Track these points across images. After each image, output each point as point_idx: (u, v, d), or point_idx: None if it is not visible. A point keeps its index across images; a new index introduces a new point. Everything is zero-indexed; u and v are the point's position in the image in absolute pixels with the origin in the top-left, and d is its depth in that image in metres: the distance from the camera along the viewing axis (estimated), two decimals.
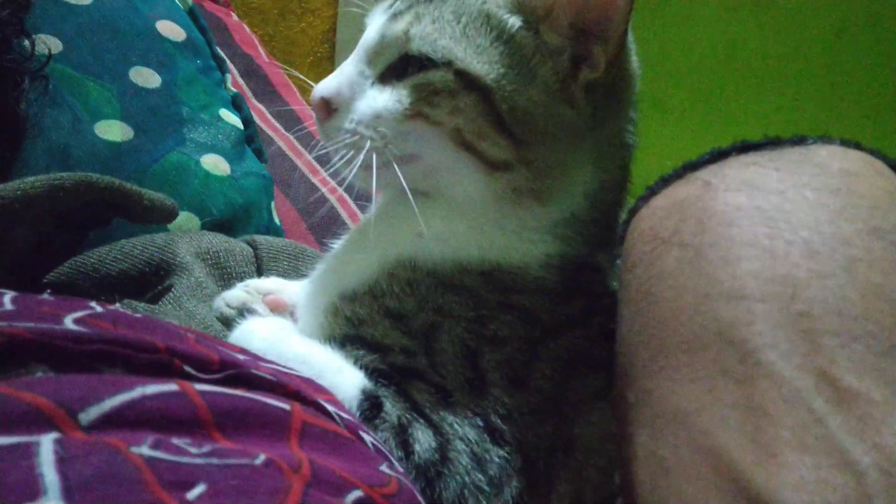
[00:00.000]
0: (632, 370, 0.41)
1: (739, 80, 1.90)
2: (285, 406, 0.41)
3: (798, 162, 0.42)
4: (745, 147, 0.45)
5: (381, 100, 0.56)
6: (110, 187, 0.61)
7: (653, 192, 0.46)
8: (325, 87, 0.58)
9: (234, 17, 1.33)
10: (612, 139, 0.59)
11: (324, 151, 0.60)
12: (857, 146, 0.44)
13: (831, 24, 1.77)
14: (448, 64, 0.55)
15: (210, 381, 0.41)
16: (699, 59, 1.92)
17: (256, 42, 1.32)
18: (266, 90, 1.24)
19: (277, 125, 1.20)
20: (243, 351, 0.49)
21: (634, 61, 0.61)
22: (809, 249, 0.38)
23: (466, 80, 0.55)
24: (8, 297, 0.41)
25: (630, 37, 0.59)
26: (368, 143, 0.56)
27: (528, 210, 0.57)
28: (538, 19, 0.56)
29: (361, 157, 0.56)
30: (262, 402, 0.40)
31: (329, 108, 0.58)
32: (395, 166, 0.56)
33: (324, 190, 1.12)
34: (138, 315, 0.46)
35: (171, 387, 0.37)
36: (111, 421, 0.34)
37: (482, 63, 0.55)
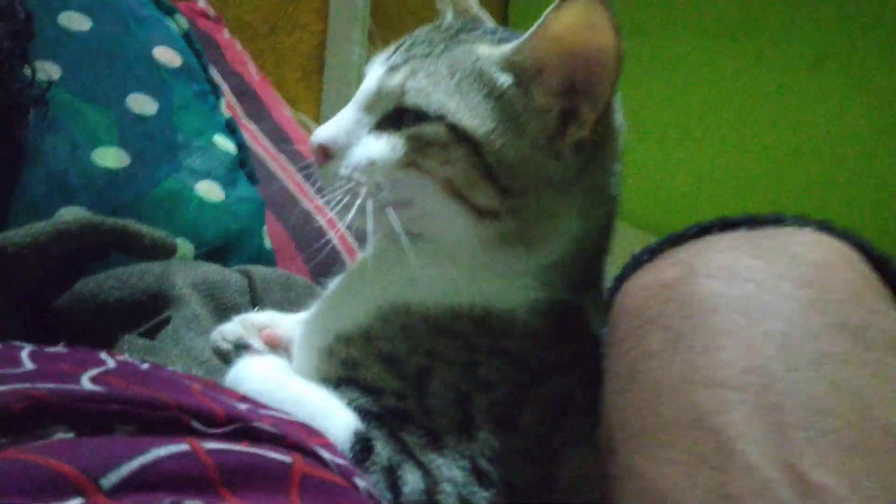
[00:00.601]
0: (616, 444, 0.43)
1: (719, 106, 1.94)
2: (286, 459, 0.44)
3: (775, 250, 0.44)
4: (725, 224, 0.47)
5: (377, 148, 0.59)
6: (114, 229, 0.63)
7: (638, 261, 0.49)
8: (322, 133, 0.60)
9: (226, 33, 1.35)
10: (597, 190, 0.61)
11: (324, 199, 0.62)
12: (830, 230, 0.46)
13: (809, 55, 1.81)
14: (441, 118, 0.57)
15: (217, 436, 0.43)
16: (680, 84, 1.96)
17: (247, 59, 1.34)
18: (257, 109, 1.26)
19: (268, 145, 1.22)
20: (243, 398, 0.51)
21: (619, 118, 0.63)
22: (783, 342, 0.39)
23: (458, 134, 0.57)
24: (26, 352, 0.44)
25: (616, 96, 0.61)
26: (364, 190, 0.58)
27: (516, 255, 0.59)
28: (529, 78, 0.58)
29: (358, 203, 0.58)
30: (264, 457, 0.43)
31: (326, 154, 0.60)
32: (391, 212, 0.58)
33: (311, 210, 1.14)
34: (145, 366, 0.49)
35: (182, 447, 0.39)
36: (130, 484, 0.36)
37: (473, 118, 0.57)
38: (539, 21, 0.56)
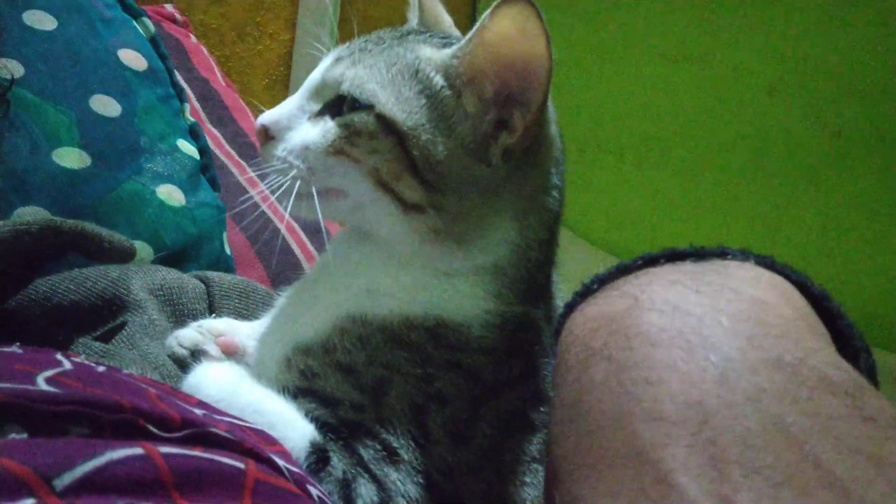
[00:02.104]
0: (560, 473, 0.44)
1: (678, 129, 1.98)
2: (240, 465, 0.44)
3: (716, 285, 0.45)
4: (672, 255, 0.48)
5: (312, 133, 0.61)
6: (73, 230, 0.62)
7: (587, 290, 0.50)
8: (267, 116, 0.63)
9: (193, 38, 1.34)
10: (531, 199, 0.62)
11: (260, 172, 0.64)
12: (771, 265, 0.47)
13: (764, 82, 1.86)
14: (371, 107, 0.59)
15: (171, 440, 0.43)
16: (641, 107, 2.00)
17: (214, 65, 1.34)
18: (221, 115, 1.26)
19: (231, 151, 1.21)
20: (200, 404, 0.51)
21: (554, 129, 0.64)
22: (721, 377, 0.40)
23: (385, 124, 0.58)
24: None
25: (550, 107, 0.62)
26: (294, 172, 0.60)
27: (449, 250, 0.60)
28: (463, 84, 0.59)
29: (287, 183, 0.60)
30: (218, 462, 0.43)
31: (267, 135, 0.63)
32: (315, 197, 0.59)
33: (274, 219, 1.14)
34: (102, 369, 0.49)
35: (136, 450, 0.40)
36: (83, 486, 0.36)
37: (402, 111, 0.59)
38: (475, 28, 0.58)
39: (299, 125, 0.62)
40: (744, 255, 0.48)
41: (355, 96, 0.60)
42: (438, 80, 0.59)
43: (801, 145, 1.86)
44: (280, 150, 0.61)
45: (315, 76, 0.63)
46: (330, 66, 0.63)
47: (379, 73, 0.60)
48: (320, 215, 0.60)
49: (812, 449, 0.38)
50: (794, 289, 0.46)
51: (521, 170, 0.61)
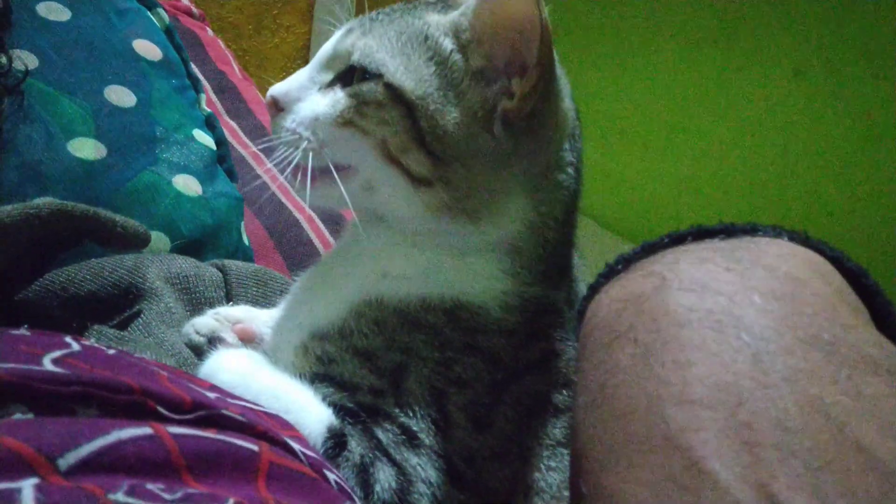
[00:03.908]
0: (586, 461, 0.42)
1: (701, 114, 1.95)
2: (253, 447, 0.43)
3: (748, 262, 0.42)
4: (700, 233, 0.46)
5: (322, 104, 0.59)
6: (85, 215, 0.62)
7: (612, 271, 0.48)
8: (277, 87, 0.62)
9: (210, 32, 1.34)
10: (544, 174, 0.60)
11: (268, 145, 0.62)
12: (805, 241, 0.45)
13: (789, 65, 1.83)
14: (380, 76, 0.58)
15: (182, 422, 0.42)
16: (664, 93, 1.97)
17: (231, 58, 1.33)
18: (239, 107, 1.25)
19: (248, 142, 1.21)
20: (213, 387, 0.50)
21: (567, 103, 0.62)
22: (754, 357, 0.38)
23: (394, 94, 0.57)
24: None
25: (563, 78, 0.61)
26: (305, 143, 0.59)
27: (461, 226, 0.59)
28: (468, 44, 0.58)
29: (298, 155, 0.59)
30: (231, 444, 0.42)
31: (277, 107, 0.61)
32: (335, 174, 0.58)
33: (293, 209, 1.13)
34: (112, 352, 0.48)
35: (145, 430, 0.39)
36: (89, 465, 0.35)
37: (410, 80, 0.58)
38: None
39: (309, 96, 0.61)
40: (776, 230, 0.45)
41: (365, 66, 0.59)
42: (447, 45, 0.58)
43: (828, 129, 1.82)
44: (289, 121, 0.60)
45: (326, 47, 0.62)
46: (341, 37, 0.62)
47: (388, 43, 0.59)
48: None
49: (853, 431, 0.36)
50: (829, 265, 0.44)
51: (531, 142, 0.59)
